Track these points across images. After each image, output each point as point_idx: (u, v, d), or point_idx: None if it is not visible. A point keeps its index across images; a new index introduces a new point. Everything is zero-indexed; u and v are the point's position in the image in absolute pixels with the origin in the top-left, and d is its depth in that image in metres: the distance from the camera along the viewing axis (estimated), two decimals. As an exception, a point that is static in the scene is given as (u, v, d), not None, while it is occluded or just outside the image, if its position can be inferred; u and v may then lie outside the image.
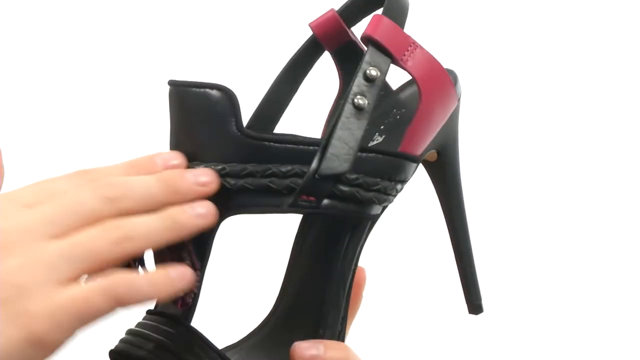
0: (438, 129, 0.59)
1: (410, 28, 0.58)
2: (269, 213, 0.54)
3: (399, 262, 1.07)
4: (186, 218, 0.51)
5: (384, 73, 0.55)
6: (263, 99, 0.65)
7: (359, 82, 0.54)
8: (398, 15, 0.57)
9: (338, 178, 0.53)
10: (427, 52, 0.57)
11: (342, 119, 0.53)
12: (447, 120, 0.60)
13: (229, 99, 0.53)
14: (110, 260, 0.48)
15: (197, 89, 0.53)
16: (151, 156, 0.54)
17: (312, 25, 0.63)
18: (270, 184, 0.53)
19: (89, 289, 0.46)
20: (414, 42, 0.56)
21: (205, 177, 0.52)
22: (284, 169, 0.53)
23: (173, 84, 0.55)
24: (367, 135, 0.64)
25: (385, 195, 0.55)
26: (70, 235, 0.47)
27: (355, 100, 0.54)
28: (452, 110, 0.59)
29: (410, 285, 1.08)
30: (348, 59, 0.64)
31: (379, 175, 0.55)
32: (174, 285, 0.49)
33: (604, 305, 1.08)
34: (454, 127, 0.62)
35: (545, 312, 1.08)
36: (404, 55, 0.56)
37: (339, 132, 0.53)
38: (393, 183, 0.56)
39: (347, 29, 0.63)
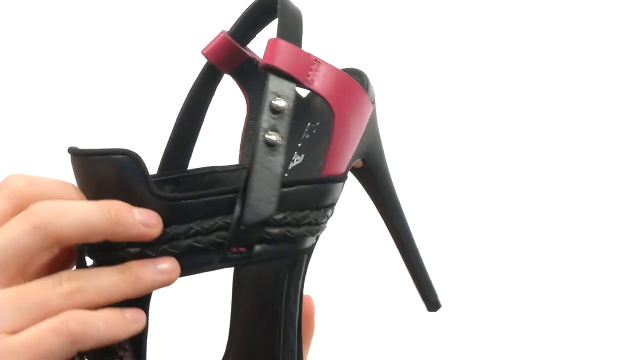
0: (358, 141, 0.56)
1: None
2: (202, 272, 0.51)
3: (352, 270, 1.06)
4: (147, 273, 0.48)
5: (292, 99, 0.51)
6: (168, 141, 0.60)
7: (266, 116, 0.50)
8: (293, 32, 0.53)
9: (265, 222, 0.50)
10: (332, 66, 0.53)
11: (257, 158, 0.50)
12: (370, 125, 0.57)
13: (135, 163, 0.49)
14: (61, 310, 0.46)
15: (100, 157, 0.49)
16: None
17: (205, 52, 0.59)
18: (195, 243, 0.49)
19: (40, 328, 0.45)
20: (316, 59, 0.52)
21: (151, 220, 0.49)
22: (206, 224, 0.50)
23: (72, 152, 0.50)
24: (287, 158, 0.61)
25: (317, 226, 0.52)
26: (20, 284, 0.46)
27: (267, 136, 0.50)
28: (368, 117, 0.56)
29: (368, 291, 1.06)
30: (249, 77, 0.61)
31: (307, 207, 0.52)
32: (129, 326, 0.48)
33: (577, 302, 1.07)
34: (374, 130, 0.59)
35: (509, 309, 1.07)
36: (308, 75, 0.52)
37: (256, 174, 0.50)
38: (322, 210, 0.53)
39: (242, 47, 0.59)
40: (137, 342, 0.50)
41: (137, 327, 0.48)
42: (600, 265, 1.07)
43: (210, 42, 0.59)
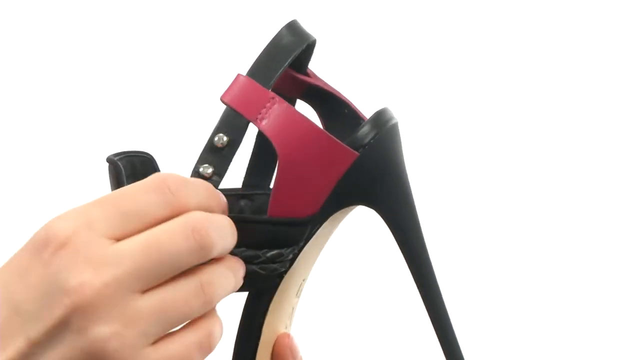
0: (329, 186, 0.52)
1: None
2: None
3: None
4: (241, 273, 0.51)
5: (237, 136, 0.51)
6: (250, 158, 0.62)
7: (205, 149, 0.52)
8: (266, 66, 0.52)
9: None
10: (287, 106, 0.52)
11: None
12: (354, 172, 0.53)
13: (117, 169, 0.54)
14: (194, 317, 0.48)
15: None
16: None
17: None
18: None
19: (185, 344, 0.47)
20: (273, 97, 0.51)
21: None
22: None
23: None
24: None
25: (252, 265, 0.52)
26: (158, 289, 0.46)
27: (200, 169, 0.51)
28: (347, 164, 0.53)
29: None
30: (320, 104, 0.60)
31: (242, 245, 0.52)
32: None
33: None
34: (378, 176, 0.54)
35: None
36: (259, 114, 0.51)
37: None
38: (265, 251, 0.52)
39: (296, 73, 0.58)
40: None
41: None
42: (607, 271, 1.08)
43: None
